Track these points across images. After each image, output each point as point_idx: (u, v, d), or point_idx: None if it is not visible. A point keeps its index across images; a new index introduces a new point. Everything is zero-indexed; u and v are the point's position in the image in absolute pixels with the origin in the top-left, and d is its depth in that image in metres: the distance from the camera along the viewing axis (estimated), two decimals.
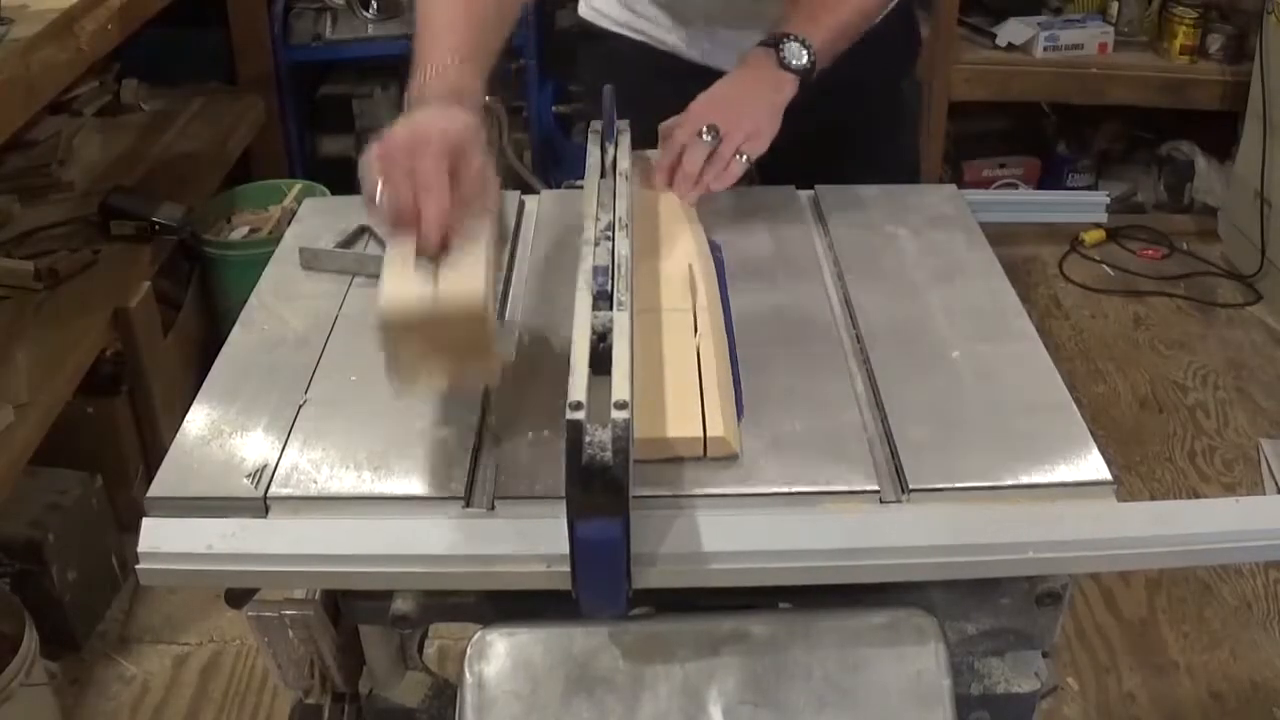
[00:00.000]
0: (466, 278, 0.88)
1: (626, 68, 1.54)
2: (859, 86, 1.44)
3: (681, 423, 0.96)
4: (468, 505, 0.94)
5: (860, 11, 1.35)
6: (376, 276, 1.20)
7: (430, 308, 0.87)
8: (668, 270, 1.14)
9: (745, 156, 1.25)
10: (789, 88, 1.28)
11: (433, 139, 0.92)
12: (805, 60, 1.28)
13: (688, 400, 0.98)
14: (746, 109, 1.27)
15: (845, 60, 1.35)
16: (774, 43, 1.29)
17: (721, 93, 1.29)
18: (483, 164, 0.95)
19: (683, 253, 1.17)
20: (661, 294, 1.11)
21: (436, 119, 0.95)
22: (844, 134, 1.52)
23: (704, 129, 1.24)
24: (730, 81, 1.31)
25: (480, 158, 0.95)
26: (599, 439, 0.78)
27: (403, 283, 0.88)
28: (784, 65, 1.28)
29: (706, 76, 1.33)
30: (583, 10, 1.66)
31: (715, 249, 1.24)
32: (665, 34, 1.54)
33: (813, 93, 1.31)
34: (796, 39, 1.28)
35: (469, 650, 0.92)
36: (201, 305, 2.58)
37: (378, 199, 0.92)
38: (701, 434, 0.95)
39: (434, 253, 0.90)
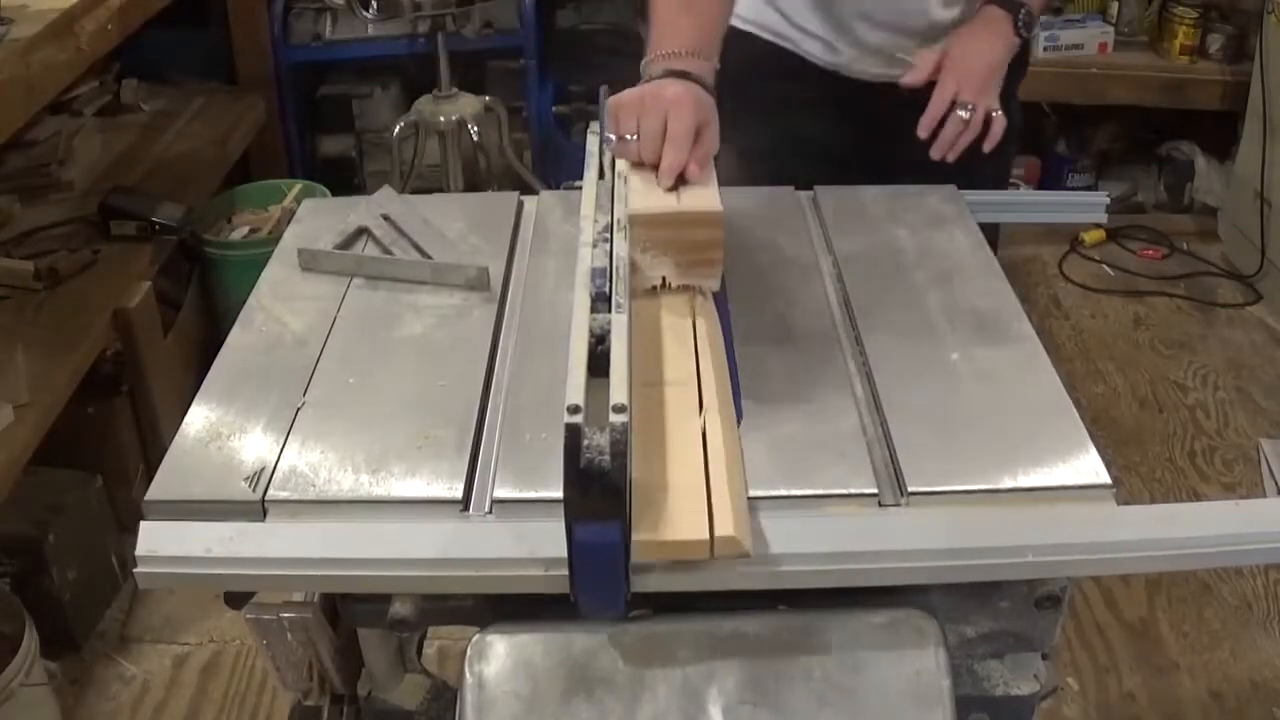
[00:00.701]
0: (705, 193, 1.09)
1: (753, 68, 1.52)
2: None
3: (686, 522, 0.85)
4: (466, 508, 0.94)
5: None
6: (376, 277, 1.22)
7: (676, 209, 1.07)
8: (668, 333, 1.05)
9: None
10: (1012, 54, 1.42)
11: (686, 105, 1.11)
12: (1030, 33, 1.43)
13: (692, 493, 0.88)
14: (992, 77, 1.40)
15: None
16: (1011, 8, 1.41)
17: (984, 62, 1.40)
18: (716, 132, 1.14)
19: (684, 308, 1.09)
20: (664, 364, 1.01)
21: (687, 90, 1.13)
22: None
23: (963, 107, 1.36)
24: (976, 40, 1.41)
25: (716, 128, 1.14)
26: (597, 442, 0.77)
27: (653, 197, 1.09)
28: (1019, 34, 1.42)
29: (839, 84, 1.45)
30: None
31: None
32: (804, 38, 1.53)
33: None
34: (1027, 10, 1.41)
35: (469, 651, 0.92)
36: (201, 305, 2.58)
37: (625, 138, 1.13)
38: (708, 535, 0.85)
39: (668, 188, 1.10)
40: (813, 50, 1.53)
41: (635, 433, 0.86)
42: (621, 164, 1.13)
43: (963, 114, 1.36)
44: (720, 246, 1.08)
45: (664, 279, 1.09)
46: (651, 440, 0.92)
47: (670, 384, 0.99)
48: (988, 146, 1.38)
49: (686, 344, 1.04)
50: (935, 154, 1.37)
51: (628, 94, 1.14)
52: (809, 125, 1.54)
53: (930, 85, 1.40)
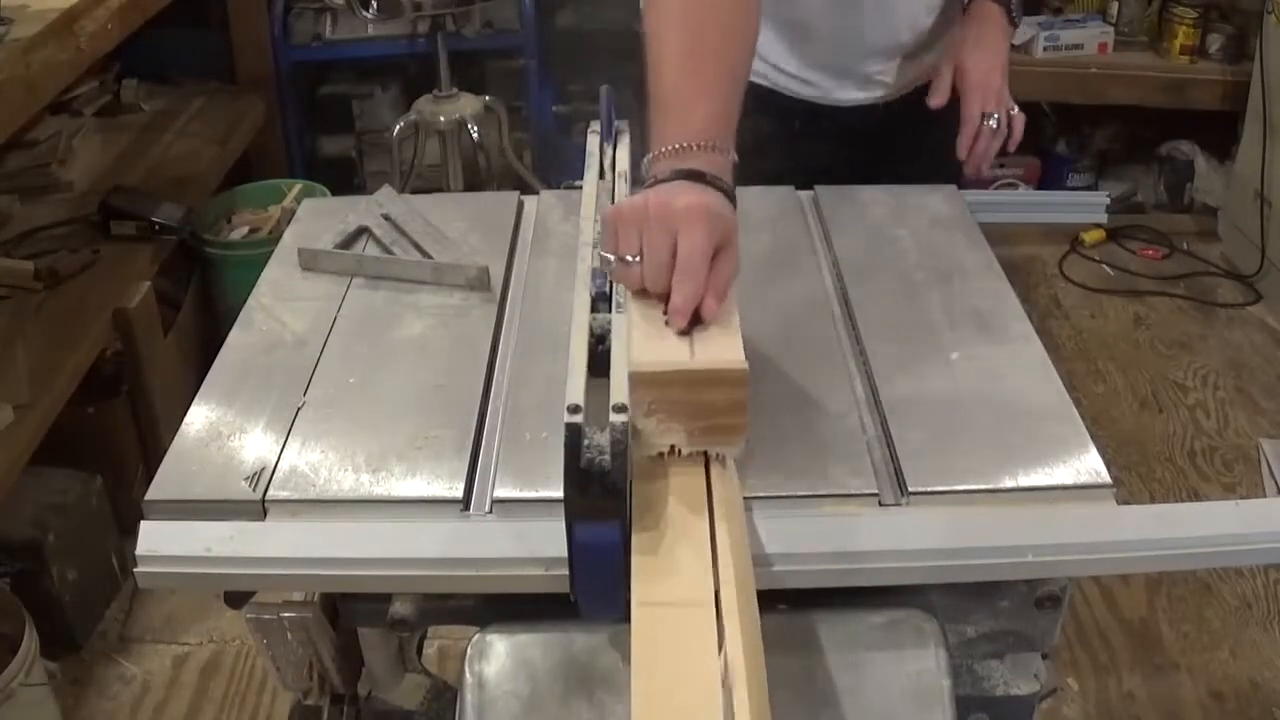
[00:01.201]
0: (724, 341, 0.88)
1: None
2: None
3: None
4: (466, 508, 0.93)
5: None
6: (376, 277, 1.22)
7: (689, 366, 0.86)
8: (674, 523, 0.83)
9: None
10: (1010, 43, 1.45)
11: (700, 222, 0.89)
12: (1021, 15, 1.47)
13: None
14: (1004, 77, 1.43)
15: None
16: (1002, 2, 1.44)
17: (993, 66, 1.42)
18: (737, 258, 0.93)
19: (695, 479, 0.87)
20: (670, 570, 0.80)
21: (702, 200, 0.91)
22: (919, 133, 1.52)
23: (989, 118, 1.40)
24: (981, 47, 1.42)
25: (737, 247, 0.93)
26: (597, 442, 0.77)
27: (659, 342, 0.88)
28: (1012, 24, 1.45)
29: (819, 113, 1.45)
30: None
31: None
32: (778, 74, 1.49)
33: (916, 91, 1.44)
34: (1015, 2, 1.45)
35: (469, 651, 0.92)
36: (201, 305, 2.58)
37: (626, 259, 0.91)
38: None
39: (680, 330, 0.89)
40: (789, 85, 1.50)
41: (635, 674, 0.71)
42: (621, 288, 0.93)
43: (992, 124, 1.41)
44: (744, 410, 0.86)
45: (673, 446, 0.86)
46: (656, 687, 0.71)
47: (679, 605, 0.77)
48: (1012, 146, 1.43)
49: (698, 537, 0.81)
50: (970, 170, 1.42)
51: (629, 204, 0.93)
52: (791, 157, 1.50)
53: (914, 92, 1.45)
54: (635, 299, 0.91)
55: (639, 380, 0.83)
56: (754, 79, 1.39)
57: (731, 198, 0.94)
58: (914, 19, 1.46)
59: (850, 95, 1.50)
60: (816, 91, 1.49)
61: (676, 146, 0.95)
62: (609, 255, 0.92)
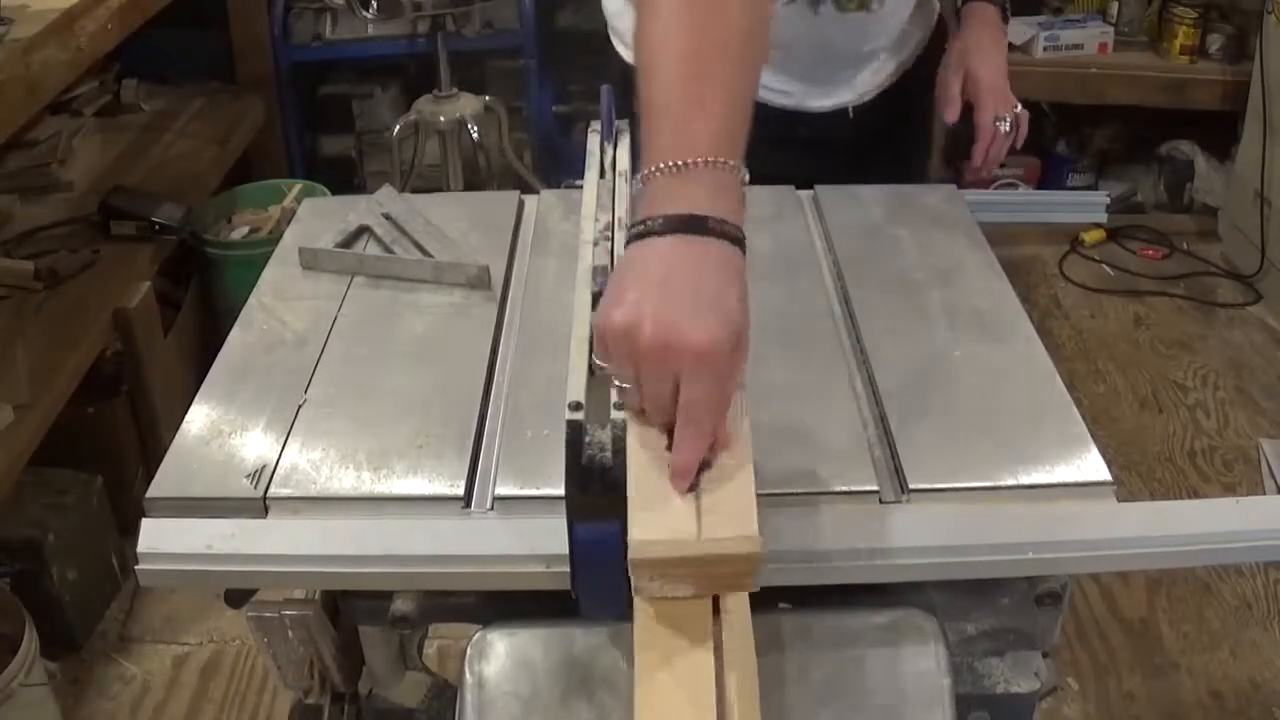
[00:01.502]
0: (737, 512, 0.75)
1: None
2: (920, 81, 1.54)
3: None
4: (467, 506, 0.94)
5: None
6: (377, 276, 1.22)
7: (696, 548, 0.74)
8: (674, 671, 0.74)
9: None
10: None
11: (708, 367, 0.74)
12: (1010, 14, 1.49)
13: None
14: (1007, 80, 1.45)
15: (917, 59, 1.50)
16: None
17: (997, 69, 1.44)
18: (746, 354, 0.78)
19: (700, 621, 0.77)
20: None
21: (710, 333, 0.73)
22: (891, 135, 1.55)
23: (999, 121, 1.42)
24: (983, 51, 1.45)
25: (746, 350, 0.78)
26: (598, 439, 0.77)
27: (660, 510, 0.75)
28: (1005, 19, 1.48)
29: (795, 119, 1.45)
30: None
31: None
32: None
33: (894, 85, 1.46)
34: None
35: (469, 650, 0.92)
36: (201, 305, 2.58)
37: (625, 392, 0.78)
38: None
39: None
40: (763, 95, 1.45)
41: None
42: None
43: (1005, 128, 1.43)
44: (756, 572, 0.75)
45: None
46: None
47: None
48: (1019, 144, 1.46)
49: (701, 697, 0.72)
50: (984, 172, 1.46)
51: (621, 322, 0.74)
52: (766, 165, 1.41)
53: (883, 95, 1.49)
54: (633, 420, 0.78)
55: (639, 563, 0.73)
56: None
57: (742, 244, 0.79)
58: (884, 27, 1.46)
59: (822, 102, 1.50)
60: (790, 100, 1.49)
61: (676, 164, 0.79)
62: (602, 364, 0.79)
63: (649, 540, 0.73)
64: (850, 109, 1.51)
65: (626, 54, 1.47)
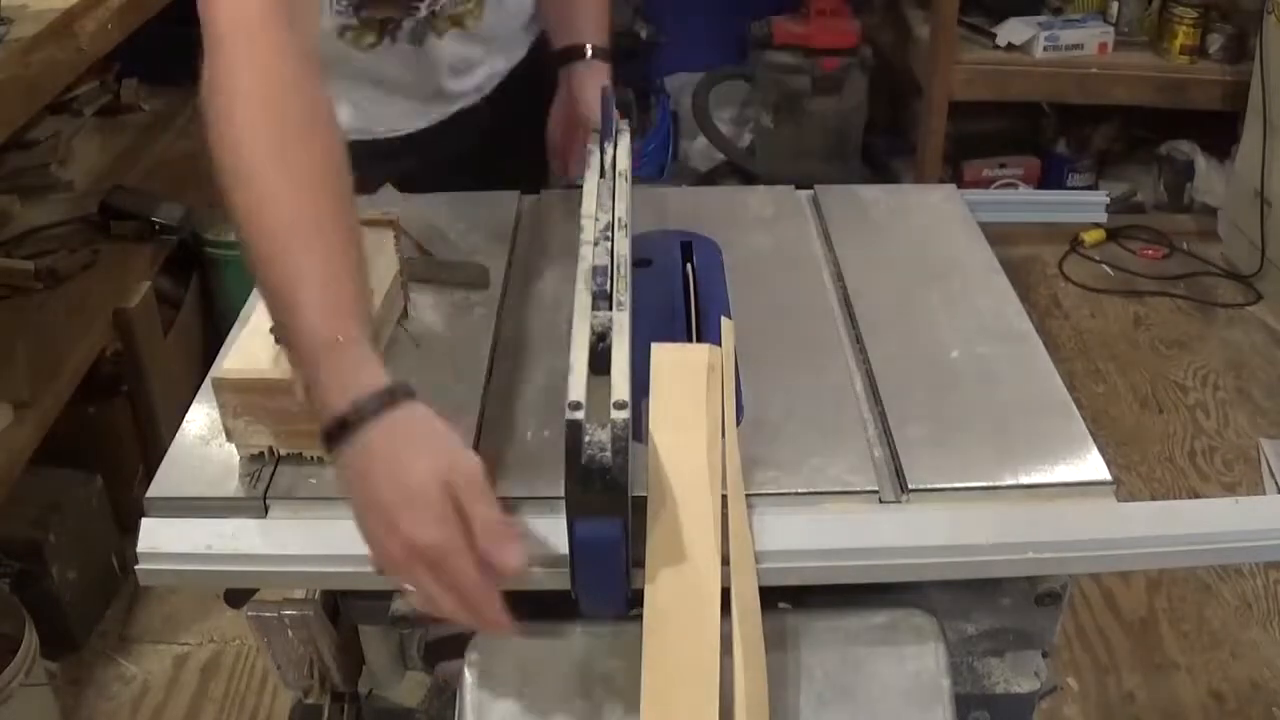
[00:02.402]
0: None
1: (375, 164, 1.28)
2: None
3: None
4: None
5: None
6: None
7: (266, 373, 0.91)
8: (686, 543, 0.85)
9: None
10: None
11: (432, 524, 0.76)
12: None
13: None
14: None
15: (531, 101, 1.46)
16: (596, 54, 1.38)
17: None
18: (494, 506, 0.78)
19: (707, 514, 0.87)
20: (676, 589, 0.83)
21: (438, 470, 0.77)
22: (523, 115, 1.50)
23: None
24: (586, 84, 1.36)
25: (491, 498, 0.79)
26: (598, 439, 0.77)
27: (248, 349, 0.94)
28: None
29: (416, 142, 1.42)
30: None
31: (714, 249, 1.24)
32: (376, 119, 1.42)
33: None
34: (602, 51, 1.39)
35: (468, 650, 0.92)
36: (201, 305, 2.58)
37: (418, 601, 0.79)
38: None
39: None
40: (396, 126, 1.44)
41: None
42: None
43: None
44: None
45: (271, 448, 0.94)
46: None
47: (678, 612, 0.80)
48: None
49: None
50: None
51: (390, 498, 0.77)
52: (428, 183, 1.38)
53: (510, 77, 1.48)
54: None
55: (221, 385, 0.91)
56: (365, 138, 1.36)
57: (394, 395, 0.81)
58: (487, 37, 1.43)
59: (451, 108, 1.46)
60: (422, 120, 1.44)
61: (331, 341, 0.81)
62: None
63: (233, 368, 0.92)
64: (481, 101, 1.47)
65: None
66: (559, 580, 0.86)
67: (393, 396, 0.80)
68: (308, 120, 0.90)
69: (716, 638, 0.79)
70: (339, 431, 0.79)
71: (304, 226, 0.85)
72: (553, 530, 0.88)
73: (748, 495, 0.91)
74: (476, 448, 0.98)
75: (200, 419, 1.03)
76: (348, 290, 0.84)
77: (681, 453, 0.88)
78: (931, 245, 1.27)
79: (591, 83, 1.35)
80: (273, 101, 0.89)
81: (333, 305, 0.83)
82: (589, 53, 1.39)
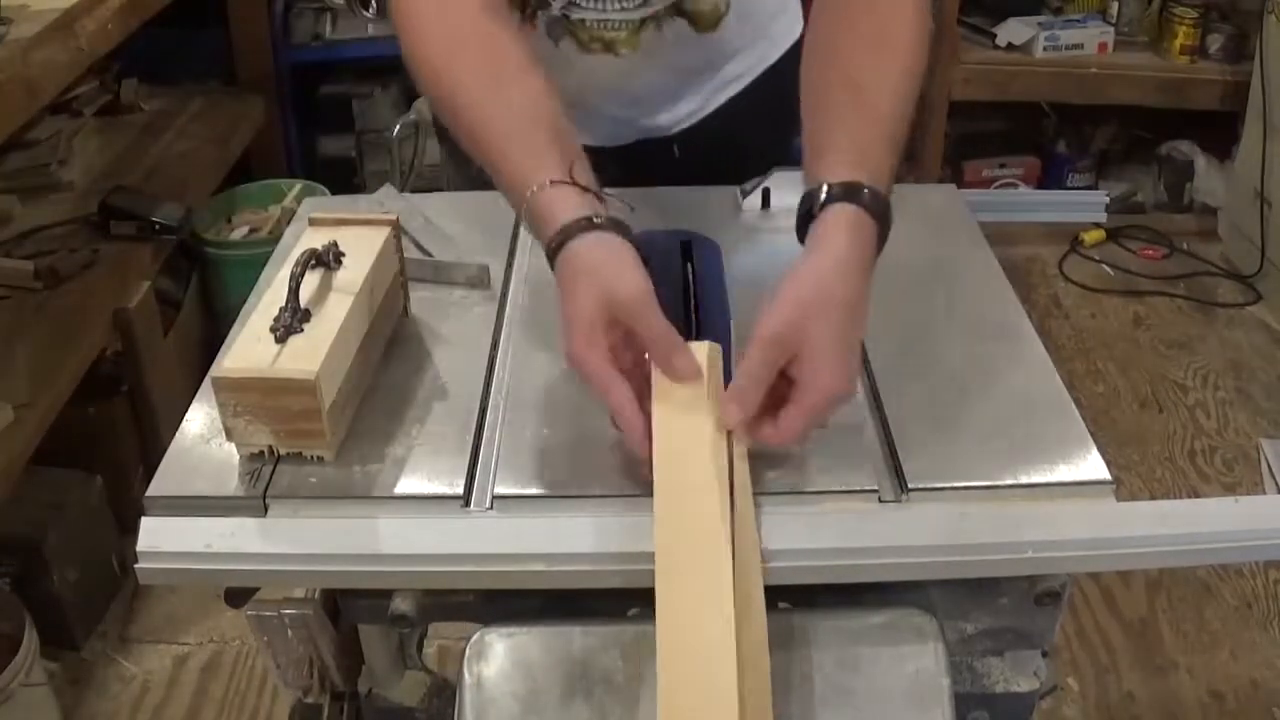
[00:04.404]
0: (306, 353, 0.92)
1: None
2: (771, 148, 1.38)
3: None
4: (466, 505, 0.93)
5: (905, 120, 0.99)
6: None
7: (265, 373, 0.91)
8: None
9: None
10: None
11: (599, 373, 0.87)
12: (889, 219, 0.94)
13: None
14: (843, 345, 0.88)
15: (759, 120, 1.35)
16: (858, 198, 0.91)
17: (833, 333, 0.87)
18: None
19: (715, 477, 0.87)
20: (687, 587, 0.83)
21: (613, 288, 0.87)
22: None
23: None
24: (831, 278, 0.89)
25: (651, 318, 0.87)
26: None
27: (247, 348, 0.94)
28: (883, 237, 0.94)
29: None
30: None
31: (714, 249, 1.24)
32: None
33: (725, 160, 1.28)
34: (874, 189, 0.92)
35: (468, 650, 0.92)
36: (201, 305, 2.58)
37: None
38: None
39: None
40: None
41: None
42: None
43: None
44: (319, 417, 0.92)
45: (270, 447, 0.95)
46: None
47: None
48: (775, 442, 0.90)
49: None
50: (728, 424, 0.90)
51: (573, 347, 0.88)
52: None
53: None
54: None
55: (220, 384, 0.91)
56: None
57: (624, 229, 0.91)
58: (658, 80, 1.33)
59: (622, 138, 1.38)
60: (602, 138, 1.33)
61: (542, 183, 0.92)
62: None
63: (232, 366, 0.92)
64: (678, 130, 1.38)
65: None
66: (558, 579, 0.85)
67: (566, 235, 0.90)
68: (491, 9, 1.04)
69: (732, 638, 0.79)
70: (551, 263, 0.92)
71: (492, 97, 0.99)
72: (553, 530, 0.88)
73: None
74: (476, 447, 0.99)
75: (200, 418, 1.02)
76: (539, 140, 0.96)
77: (687, 438, 0.88)
78: (931, 245, 1.27)
79: (835, 258, 0.90)
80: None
81: (525, 157, 0.95)
82: (823, 195, 0.92)
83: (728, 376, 0.93)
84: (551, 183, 0.92)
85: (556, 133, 0.97)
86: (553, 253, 0.91)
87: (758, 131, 1.37)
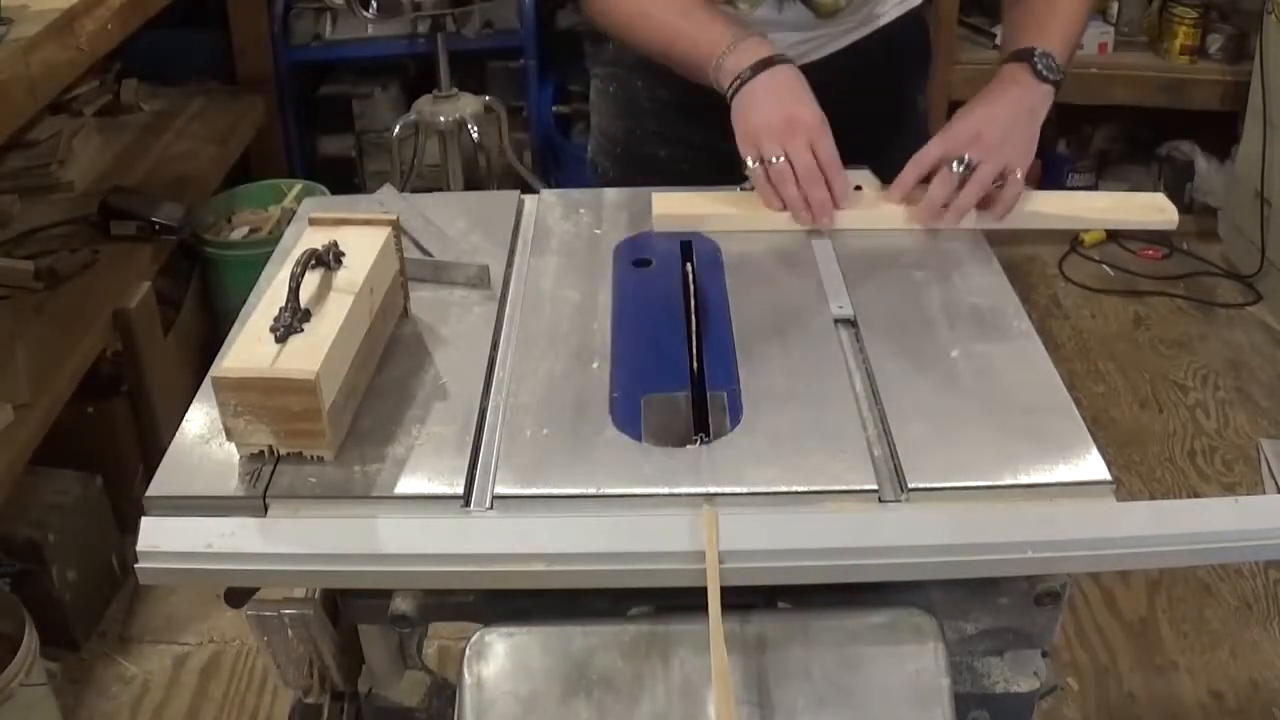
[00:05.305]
0: (306, 353, 0.93)
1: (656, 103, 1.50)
2: (883, 100, 1.48)
3: None
4: (467, 504, 0.93)
5: (1079, 19, 1.38)
6: None
7: (265, 373, 0.92)
8: None
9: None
10: (1047, 103, 1.29)
11: (827, 132, 1.18)
12: (1058, 74, 1.29)
13: None
14: (1011, 138, 1.23)
15: (870, 74, 1.42)
16: (1024, 57, 1.27)
17: (986, 115, 1.24)
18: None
19: None
20: None
21: (815, 112, 1.18)
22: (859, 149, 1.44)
23: (956, 161, 1.21)
24: (994, 101, 1.26)
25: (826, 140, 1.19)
26: None
27: (247, 348, 0.94)
28: (1042, 78, 1.28)
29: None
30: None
31: (714, 249, 1.24)
32: None
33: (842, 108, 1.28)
34: (1044, 53, 1.28)
35: (468, 651, 0.92)
36: (201, 305, 2.58)
37: (773, 160, 1.18)
38: None
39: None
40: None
41: None
42: None
43: (955, 168, 1.21)
44: (319, 416, 0.93)
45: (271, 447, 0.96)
46: None
47: None
48: (1000, 212, 1.25)
49: None
50: (915, 220, 1.25)
51: (764, 117, 1.17)
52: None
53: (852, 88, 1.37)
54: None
55: (220, 384, 0.92)
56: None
57: (790, 61, 1.20)
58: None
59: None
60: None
61: (727, 47, 1.20)
62: (752, 162, 1.19)
63: (232, 366, 0.92)
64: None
65: None
66: (559, 580, 0.85)
67: (755, 71, 1.20)
68: None
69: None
70: (732, 98, 1.21)
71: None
72: (553, 529, 0.88)
73: (747, 494, 0.92)
74: (476, 446, 0.99)
75: (200, 418, 1.02)
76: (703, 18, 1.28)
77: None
78: (931, 245, 1.27)
79: (996, 88, 1.27)
80: None
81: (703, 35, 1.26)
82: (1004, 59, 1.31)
83: (711, 382, 0.94)
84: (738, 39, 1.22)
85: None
86: (748, 76, 1.19)
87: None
